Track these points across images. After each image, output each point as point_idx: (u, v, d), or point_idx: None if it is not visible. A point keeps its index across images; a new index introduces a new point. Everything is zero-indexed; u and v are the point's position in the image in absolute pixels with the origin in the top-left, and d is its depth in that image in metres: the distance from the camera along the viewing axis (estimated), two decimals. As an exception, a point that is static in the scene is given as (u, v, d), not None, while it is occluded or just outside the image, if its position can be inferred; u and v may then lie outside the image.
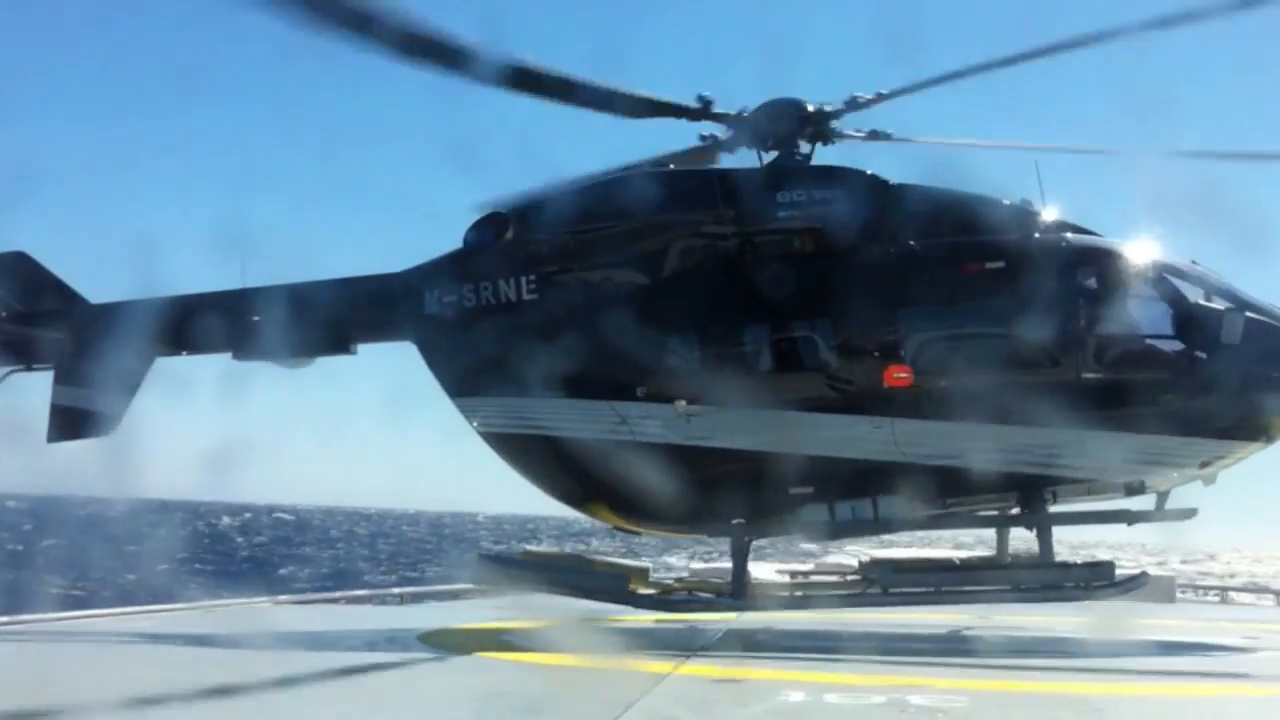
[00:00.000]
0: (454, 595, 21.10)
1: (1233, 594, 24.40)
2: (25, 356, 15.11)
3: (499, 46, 11.74)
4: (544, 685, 10.23)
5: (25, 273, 15.19)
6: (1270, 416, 12.89)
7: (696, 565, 21.15)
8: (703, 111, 13.80)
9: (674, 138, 14.30)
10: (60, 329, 14.85)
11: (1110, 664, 11.37)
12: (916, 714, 8.19)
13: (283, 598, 19.43)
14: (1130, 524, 14.59)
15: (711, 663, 10.84)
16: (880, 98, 13.54)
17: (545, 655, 11.50)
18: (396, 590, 22.41)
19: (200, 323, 14.48)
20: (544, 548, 14.08)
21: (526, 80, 12.29)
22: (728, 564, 14.15)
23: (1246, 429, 12.95)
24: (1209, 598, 23.20)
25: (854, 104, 13.74)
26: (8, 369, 15.09)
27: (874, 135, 14.03)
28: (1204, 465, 13.12)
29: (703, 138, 14.29)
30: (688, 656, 11.12)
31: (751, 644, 12.31)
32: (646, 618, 13.86)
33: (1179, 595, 21.32)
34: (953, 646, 12.07)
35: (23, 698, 8.75)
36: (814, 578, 20.60)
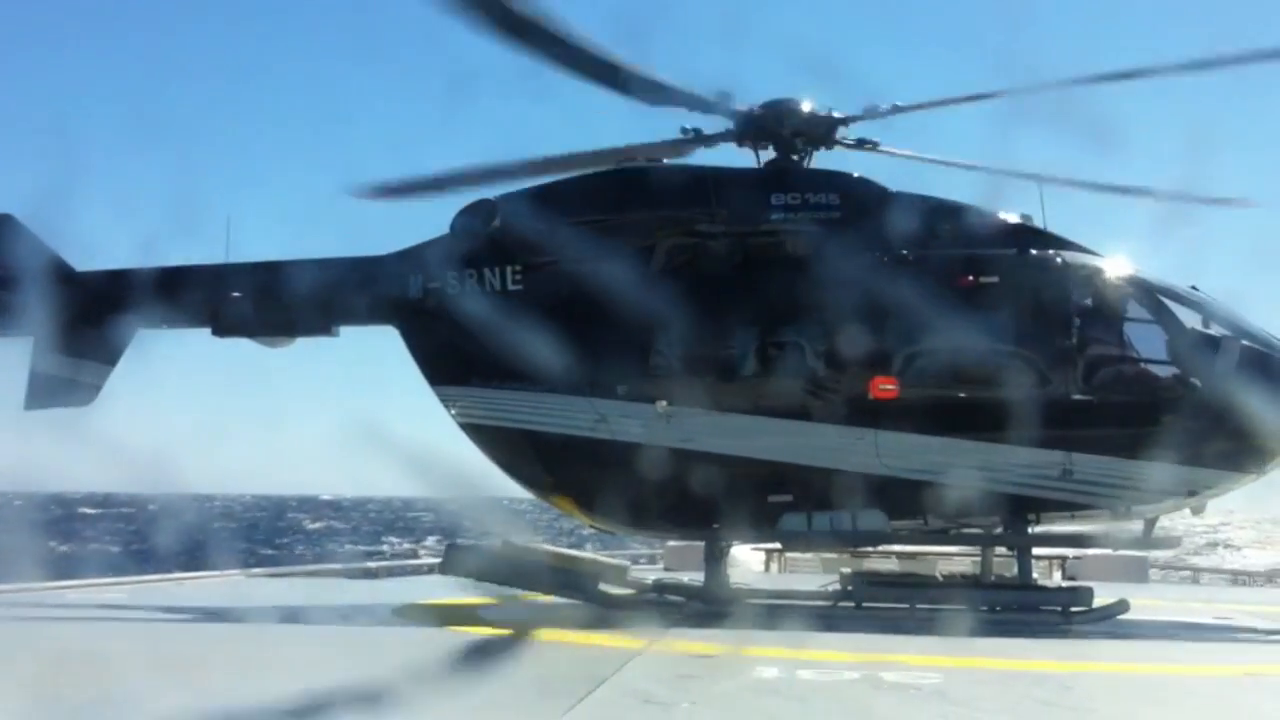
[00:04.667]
0: (428, 569, 21.03)
1: (1204, 574, 24.62)
2: (5, 322, 14.81)
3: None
4: (517, 660, 10.20)
5: (12, 236, 14.89)
6: (1262, 447, 12.69)
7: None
8: (715, 105, 13.49)
9: (651, 128, 13.91)
10: (45, 295, 14.47)
11: (1082, 642, 11.44)
12: (889, 690, 8.19)
13: (255, 570, 19.34)
14: (1115, 549, 14.61)
15: (684, 639, 10.82)
16: (895, 110, 13.35)
17: (519, 630, 11.46)
18: (371, 564, 22.32)
19: (184, 296, 14.31)
20: (522, 541, 13.90)
21: (546, 39, 11.83)
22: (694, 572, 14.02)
23: (1237, 459, 12.77)
24: (1181, 576, 23.38)
25: (867, 114, 13.54)
26: None
27: (871, 146, 13.82)
28: (1191, 494, 13.00)
29: (683, 130, 13.83)
30: (661, 633, 11.10)
31: (725, 620, 12.30)
32: (626, 591, 13.82)
33: (1151, 575, 21.44)
34: (925, 624, 12.08)
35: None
36: (789, 570, 20.77)
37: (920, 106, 13.35)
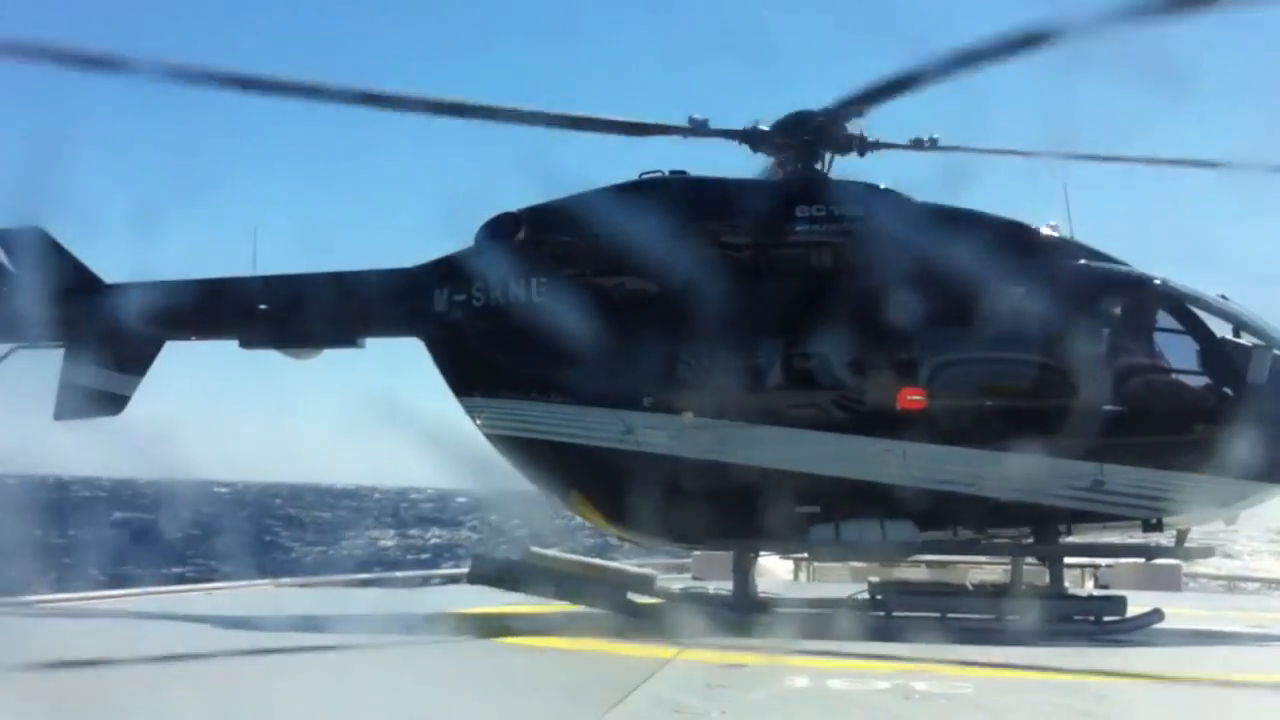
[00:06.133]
0: (456, 580, 21.06)
1: (1240, 583, 24.30)
2: (35, 333, 14.95)
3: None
4: (548, 668, 10.21)
5: (42, 248, 14.98)
6: None
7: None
8: (701, 129, 13.52)
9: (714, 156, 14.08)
10: (74, 307, 14.71)
11: (1116, 651, 11.33)
12: (921, 700, 8.15)
13: (286, 580, 19.41)
14: (1148, 559, 14.47)
15: (713, 648, 10.79)
16: (882, 93, 12.91)
17: (549, 639, 11.47)
18: (401, 574, 22.39)
19: (211, 308, 14.52)
20: (548, 550, 13.94)
21: (520, 118, 12.71)
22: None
23: (1270, 470, 12.55)
24: (1216, 586, 23.12)
25: (858, 102, 13.27)
26: (14, 345, 14.97)
27: (894, 145, 13.77)
28: (1224, 505, 12.88)
29: (691, 120, 13.62)
30: (690, 642, 11.07)
31: (754, 629, 12.26)
32: (653, 600, 13.79)
33: (1185, 584, 21.23)
34: (957, 633, 12.01)
35: (27, 678, 8.74)
36: (817, 578, 20.67)
37: (916, 81, 12.80)
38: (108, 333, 14.49)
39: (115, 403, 14.86)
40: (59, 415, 14.83)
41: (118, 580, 19.73)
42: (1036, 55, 11.29)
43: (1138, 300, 13.10)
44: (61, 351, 14.87)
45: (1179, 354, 12.94)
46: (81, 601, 15.14)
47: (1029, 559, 13.66)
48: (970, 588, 14.40)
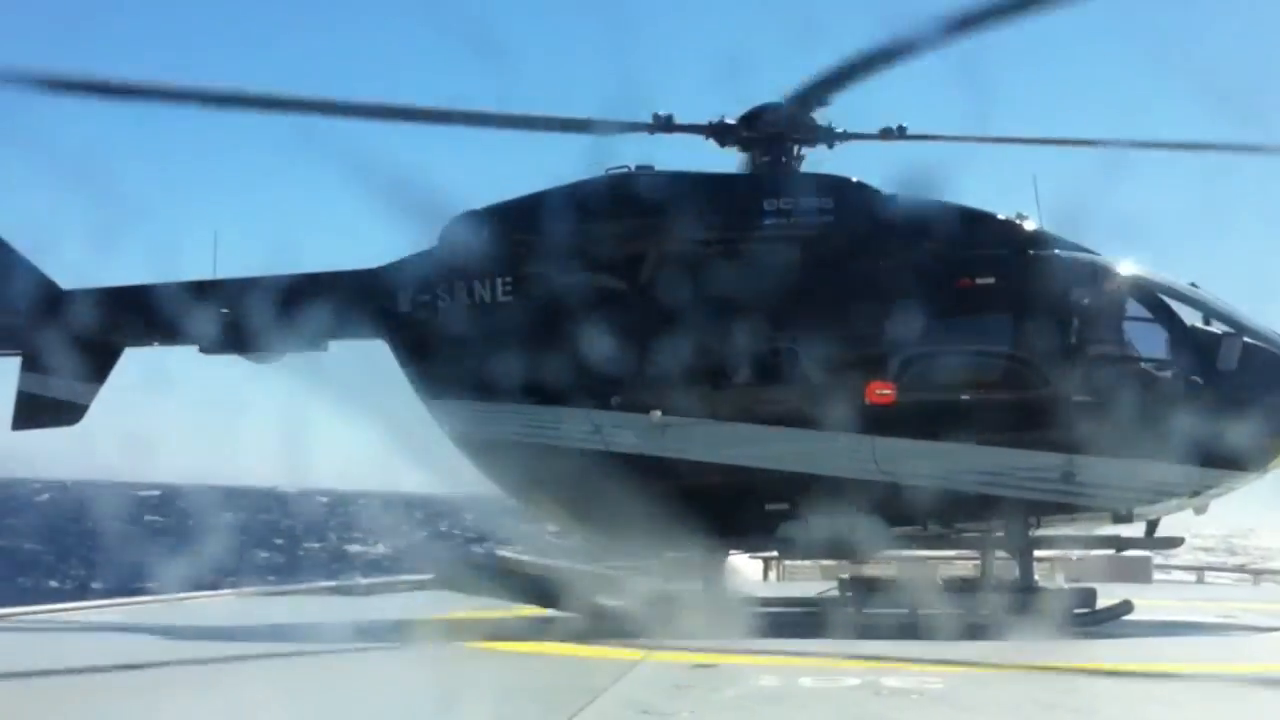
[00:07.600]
0: (422, 585, 20.88)
1: (1208, 574, 24.52)
2: None
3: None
4: (516, 673, 10.10)
5: None
6: (1264, 445, 12.59)
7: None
8: (667, 125, 13.49)
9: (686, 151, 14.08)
10: (29, 314, 14.45)
11: (1085, 644, 11.35)
12: (891, 696, 8.09)
13: (249, 589, 19.22)
14: (1118, 550, 14.52)
15: (683, 648, 10.71)
16: (838, 80, 12.80)
17: (517, 643, 11.37)
18: (364, 580, 22.19)
19: (171, 313, 14.25)
20: (516, 554, 13.82)
21: (483, 119, 12.39)
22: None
23: (1239, 458, 12.64)
24: (1185, 577, 23.30)
25: (819, 89, 13.18)
26: None
27: (862, 136, 13.75)
28: (1194, 494, 12.90)
29: (655, 116, 13.63)
30: (659, 643, 10.99)
31: (724, 629, 12.19)
32: (620, 602, 13.70)
33: (1155, 575, 21.38)
34: (926, 629, 11.99)
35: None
36: (786, 577, 20.69)
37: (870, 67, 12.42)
38: (65, 340, 14.18)
39: (73, 412, 14.64)
40: (16, 425, 14.60)
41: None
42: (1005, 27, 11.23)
43: (1107, 290, 13.11)
44: (18, 360, 14.63)
45: (1149, 343, 13.00)
46: (45, 614, 14.90)
47: (999, 553, 13.70)
48: (940, 583, 14.41)
